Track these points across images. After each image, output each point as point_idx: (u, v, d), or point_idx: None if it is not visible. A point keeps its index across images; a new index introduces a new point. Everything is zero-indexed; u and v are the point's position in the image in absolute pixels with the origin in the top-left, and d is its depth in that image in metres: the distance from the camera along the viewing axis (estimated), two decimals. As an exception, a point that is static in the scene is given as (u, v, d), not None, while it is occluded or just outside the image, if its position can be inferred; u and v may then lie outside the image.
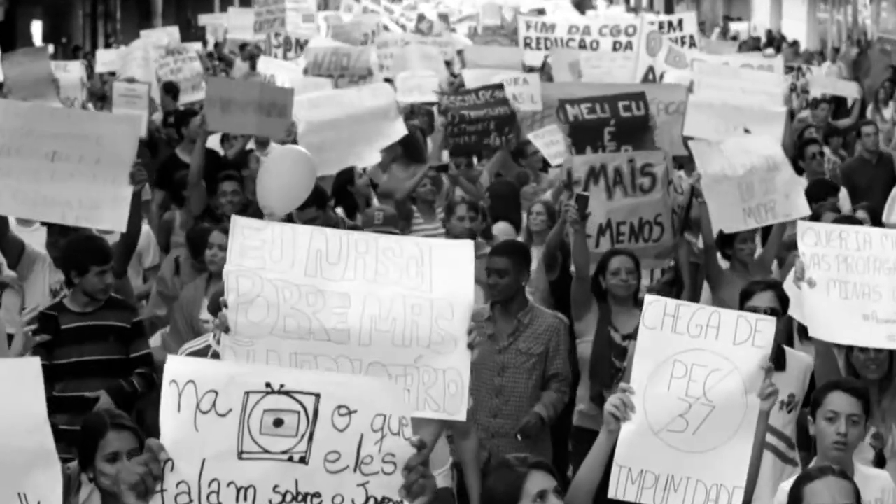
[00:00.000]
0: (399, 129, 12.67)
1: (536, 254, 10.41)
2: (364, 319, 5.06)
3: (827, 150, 14.74)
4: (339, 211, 11.82)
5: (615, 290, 8.53)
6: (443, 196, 12.70)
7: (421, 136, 14.25)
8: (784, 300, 7.32)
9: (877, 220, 10.18)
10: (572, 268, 8.99)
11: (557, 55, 18.88)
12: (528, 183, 12.75)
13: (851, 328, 6.72)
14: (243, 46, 25.88)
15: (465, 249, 5.22)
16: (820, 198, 10.82)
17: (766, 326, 5.06)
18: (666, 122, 12.68)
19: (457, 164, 13.07)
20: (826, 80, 20.11)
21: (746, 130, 11.93)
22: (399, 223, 9.92)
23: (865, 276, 6.75)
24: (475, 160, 13.76)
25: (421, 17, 33.82)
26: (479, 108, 13.52)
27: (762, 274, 9.21)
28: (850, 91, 19.80)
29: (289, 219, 9.47)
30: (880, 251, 6.80)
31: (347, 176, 12.09)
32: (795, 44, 35.94)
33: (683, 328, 5.01)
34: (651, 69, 16.79)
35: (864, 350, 7.01)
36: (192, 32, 33.72)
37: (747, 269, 9.48)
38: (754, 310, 6.88)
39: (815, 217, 9.42)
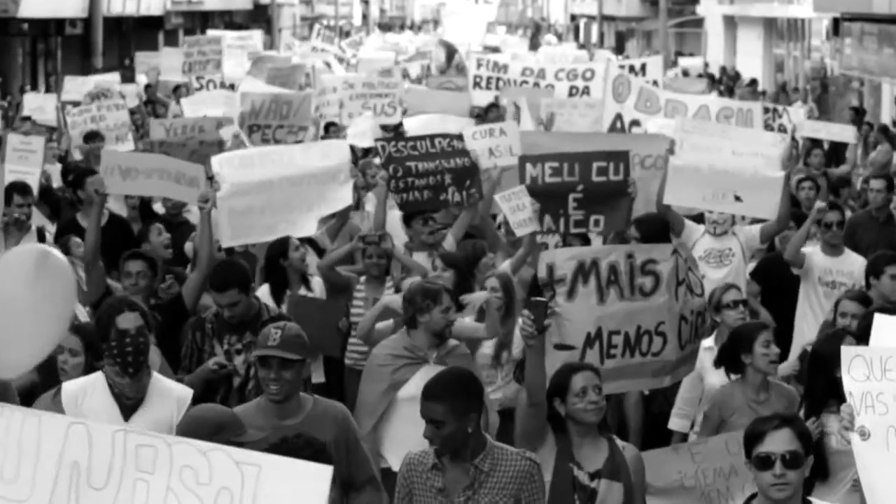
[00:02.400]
0: (346, 196, 11.31)
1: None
2: None
3: None
4: (264, 291, 10.49)
5: (581, 415, 6.82)
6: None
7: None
8: (807, 438, 5.76)
9: None
10: None
11: (509, 94, 17.50)
12: (485, 255, 11.03)
13: None
14: (177, 88, 24.40)
15: (317, 475, 3.84)
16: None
17: None
18: (641, 177, 11.31)
19: (406, 221, 11.75)
20: (818, 124, 18.61)
21: (738, 198, 10.69)
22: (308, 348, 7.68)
23: None
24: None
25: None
26: (431, 158, 11.81)
27: None
28: (848, 136, 18.41)
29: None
30: None
31: (281, 248, 10.73)
32: (754, 82, 34.61)
33: None
34: (619, 117, 15.32)
35: None
36: (128, 74, 32.22)
37: None
38: (767, 457, 5.54)
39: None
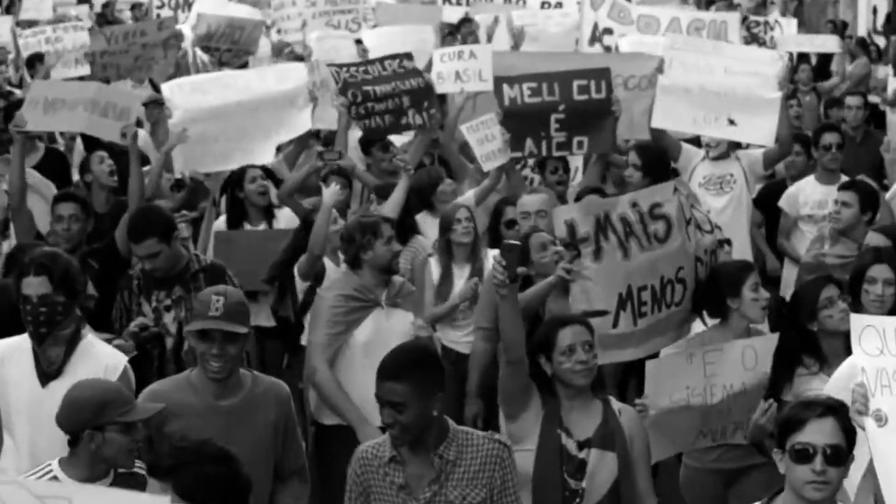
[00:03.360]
0: (305, 122, 10.57)
1: (459, 273, 9.29)
2: None
3: None
4: (220, 223, 9.97)
5: (567, 376, 6.09)
6: (357, 196, 10.52)
7: None
8: (851, 432, 4.88)
9: None
10: None
11: (480, 9, 16.69)
12: (442, 181, 10.29)
13: None
14: (134, 6, 23.37)
15: None
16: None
17: None
18: (625, 99, 10.41)
19: (364, 148, 11.18)
20: (801, 37, 17.46)
21: (731, 122, 9.84)
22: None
23: None
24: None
25: None
26: (386, 80, 11.08)
27: None
28: (832, 46, 17.50)
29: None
30: None
31: (236, 179, 10.17)
32: None
33: None
34: (596, 27, 14.55)
35: None
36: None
37: None
38: (806, 449, 4.78)
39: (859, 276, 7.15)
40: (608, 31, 14.38)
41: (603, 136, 10.23)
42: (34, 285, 6.21)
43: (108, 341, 7.33)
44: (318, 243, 8.79)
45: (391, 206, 9.64)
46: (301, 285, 9.03)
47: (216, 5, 16.84)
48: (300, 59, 14.16)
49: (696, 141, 10.58)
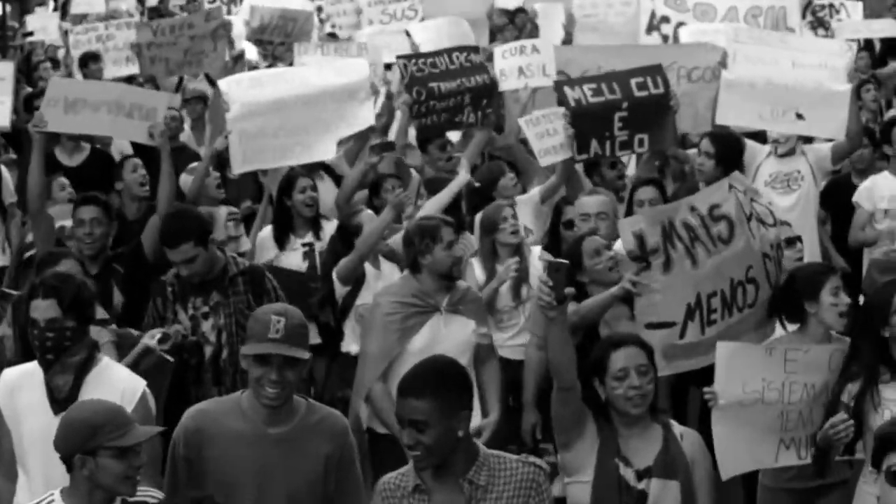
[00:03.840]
0: (367, 117, 10.31)
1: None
2: None
3: None
4: (267, 233, 9.72)
5: (619, 403, 5.67)
6: (414, 190, 10.40)
7: None
8: None
9: None
10: None
11: (545, 7, 16.42)
12: (504, 175, 9.98)
13: None
14: (189, 1, 23.22)
15: None
16: None
17: None
18: (688, 92, 10.18)
19: (422, 146, 10.85)
20: (859, 23, 16.47)
21: (799, 116, 9.62)
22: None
23: None
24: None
25: None
26: (452, 76, 10.87)
27: None
28: (892, 30, 16.77)
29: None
30: None
31: (287, 184, 9.88)
32: None
33: None
34: (653, 15, 14.28)
35: None
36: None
37: None
38: None
39: None
40: (665, 20, 13.85)
41: (664, 132, 10.03)
42: (42, 308, 5.89)
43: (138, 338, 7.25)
44: (367, 246, 8.59)
45: (433, 205, 9.40)
46: (340, 290, 8.80)
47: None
48: None
49: (760, 138, 10.36)
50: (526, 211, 9.82)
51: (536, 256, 8.95)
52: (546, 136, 9.92)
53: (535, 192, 10.04)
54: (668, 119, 10.00)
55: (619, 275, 7.53)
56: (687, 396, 8.69)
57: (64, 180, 10.12)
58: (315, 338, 9.18)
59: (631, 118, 9.92)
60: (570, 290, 5.41)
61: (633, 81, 9.91)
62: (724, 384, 6.43)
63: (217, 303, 7.58)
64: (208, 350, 7.51)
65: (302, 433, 5.57)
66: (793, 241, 7.90)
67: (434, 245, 7.62)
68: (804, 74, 9.74)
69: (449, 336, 7.64)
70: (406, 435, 5.02)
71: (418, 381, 5.08)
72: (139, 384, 5.90)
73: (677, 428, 5.78)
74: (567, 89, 9.94)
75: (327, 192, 10.23)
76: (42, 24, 19.38)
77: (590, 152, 10.03)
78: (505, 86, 11.32)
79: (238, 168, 10.12)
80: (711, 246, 6.98)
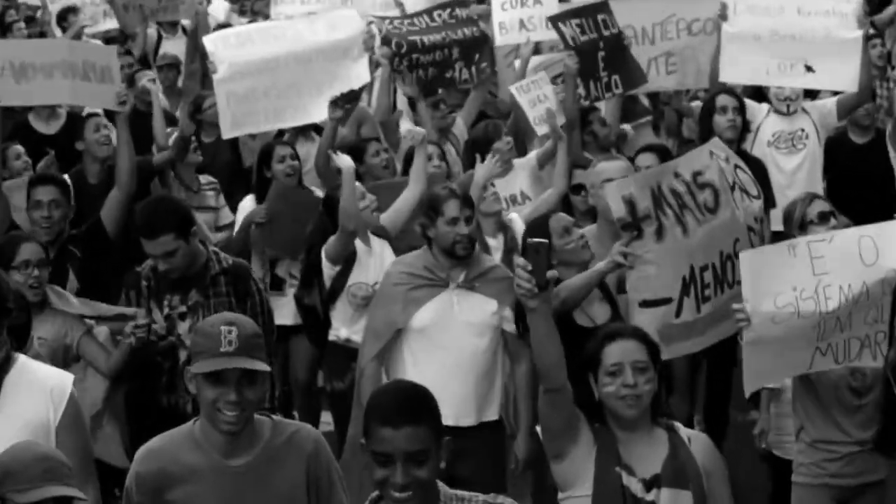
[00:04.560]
0: (362, 74, 9.93)
1: (496, 245, 8.31)
2: None
3: None
4: (249, 202, 9.27)
5: (611, 403, 4.99)
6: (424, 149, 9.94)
7: None
8: None
9: None
10: None
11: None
12: (500, 138, 9.24)
13: None
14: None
15: None
16: None
17: None
18: (689, 45, 9.86)
19: (412, 104, 10.38)
20: None
21: (809, 68, 9.28)
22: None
23: None
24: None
25: None
26: (435, 31, 10.33)
27: None
28: None
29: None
30: None
31: (265, 154, 9.43)
32: None
33: None
34: None
35: None
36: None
37: None
38: None
39: None
40: None
41: (632, 70, 9.72)
42: None
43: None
44: (348, 218, 7.90)
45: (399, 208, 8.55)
46: (329, 271, 8.13)
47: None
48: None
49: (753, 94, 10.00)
50: (523, 175, 9.40)
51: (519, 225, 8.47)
52: (538, 102, 9.56)
53: (531, 155, 9.60)
54: (630, 57, 9.70)
55: (591, 254, 7.07)
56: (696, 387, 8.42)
57: (19, 148, 9.60)
58: (289, 317, 8.86)
59: (608, 58, 9.62)
60: (552, 272, 4.66)
61: (599, 18, 9.60)
62: (753, 299, 5.86)
63: (196, 302, 6.90)
64: (183, 354, 6.74)
65: (268, 461, 4.78)
66: (826, 215, 7.05)
67: (437, 217, 7.06)
68: (812, 23, 9.38)
69: (461, 315, 7.04)
70: (401, 473, 3.96)
71: (408, 404, 4.05)
72: (67, 382, 5.02)
73: (683, 431, 5.12)
74: (562, 26, 9.55)
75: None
76: None
77: (590, 95, 9.72)
78: (505, 40, 10.75)
79: (228, 132, 9.75)
80: (699, 214, 6.57)
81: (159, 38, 13.94)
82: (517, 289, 4.70)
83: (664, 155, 8.62)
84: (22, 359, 5.06)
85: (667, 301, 6.44)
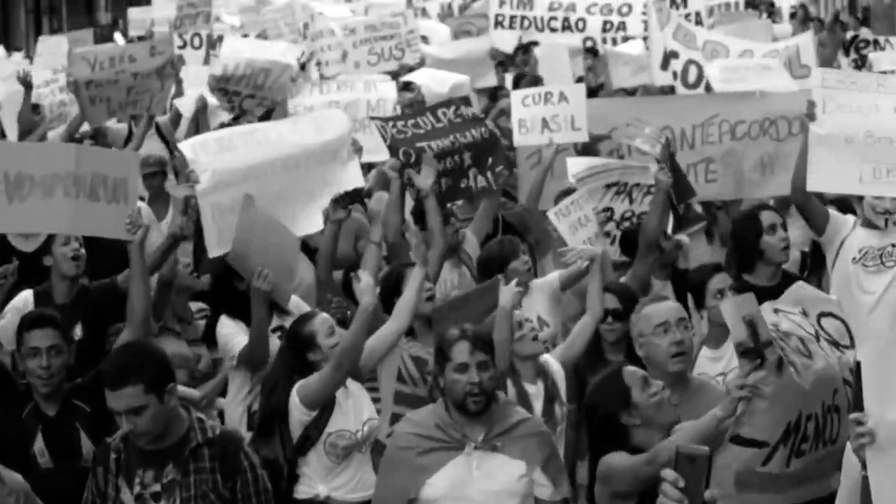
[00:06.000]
0: (353, 178, 9.08)
1: None
2: None
3: None
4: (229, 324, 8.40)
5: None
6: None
7: None
8: None
9: None
10: None
11: (545, 47, 15.48)
12: (517, 257, 8.41)
13: None
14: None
15: None
16: None
17: None
18: (731, 151, 9.22)
19: (418, 217, 9.33)
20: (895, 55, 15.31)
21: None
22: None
23: None
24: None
25: None
26: (443, 134, 9.35)
27: None
28: None
29: None
30: None
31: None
32: (804, 9, 30.02)
33: None
34: (665, 49, 13.41)
35: None
36: (105, 32, 29.66)
37: None
38: None
39: None
40: (674, 55, 13.27)
41: (680, 182, 9.03)
42: None
43: None
44: (352, 356, 7.02)
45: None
46: (304, 417, 7.07)
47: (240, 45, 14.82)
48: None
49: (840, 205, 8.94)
50: (541, 299, 8.45)
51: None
52: (580, 226, 8.79)
53: (553, 276, 8.62)
54: (677, 167, 9.03)
55: (676, 415, 5.99)
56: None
57: None
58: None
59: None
60: (710, 493, 3.58)
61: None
62: (877, 410, 4.82)
63: (172, 480, 5.71)
64: None
65: None
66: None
67: (445, 363, 6.08)
68: None
69: (480, 482, 6.05)
70: None
71: None
72: None
73: None
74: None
75: (305, 270, 9.07)
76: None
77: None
78: (525, 140, 9.88)
79: (215, 251, 8.64)
80: (802, 357, 5.85)
81: (129, 133, 13.04)
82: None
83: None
84: None
85: (762, 445, 5.78)
